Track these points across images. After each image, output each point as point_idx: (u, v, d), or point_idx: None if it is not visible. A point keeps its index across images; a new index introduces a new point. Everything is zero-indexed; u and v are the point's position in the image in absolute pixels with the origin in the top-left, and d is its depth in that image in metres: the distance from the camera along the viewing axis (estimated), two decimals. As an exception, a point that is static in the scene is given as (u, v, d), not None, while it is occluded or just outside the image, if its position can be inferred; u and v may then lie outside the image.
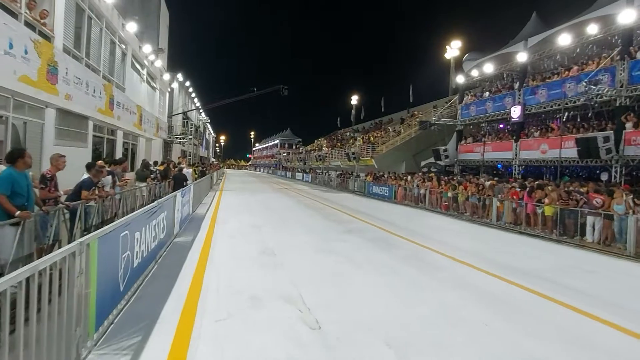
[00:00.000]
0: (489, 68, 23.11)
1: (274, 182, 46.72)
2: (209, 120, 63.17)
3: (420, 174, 25.62)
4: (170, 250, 8.61)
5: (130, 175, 13.65)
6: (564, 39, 17.82)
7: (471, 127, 26.99)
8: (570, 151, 17.30)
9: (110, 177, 8.94)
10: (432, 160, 30.69)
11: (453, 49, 43.09)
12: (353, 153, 35.95)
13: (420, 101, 47.86)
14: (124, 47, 18.56)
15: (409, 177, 23.71)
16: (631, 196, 11.07)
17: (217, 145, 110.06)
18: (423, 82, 56.92)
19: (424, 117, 37.95)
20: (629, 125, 14.97)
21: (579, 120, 18.92)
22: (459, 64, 42.19)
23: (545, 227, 13.16)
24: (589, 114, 18.14)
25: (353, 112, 70.00)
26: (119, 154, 17.47)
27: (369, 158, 34.69)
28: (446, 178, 21.21)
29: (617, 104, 15.42)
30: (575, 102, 17.47)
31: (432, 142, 33.55)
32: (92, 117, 13.81)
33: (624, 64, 15.27)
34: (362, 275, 7.13)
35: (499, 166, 24.54)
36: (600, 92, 15.03)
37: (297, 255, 8.48)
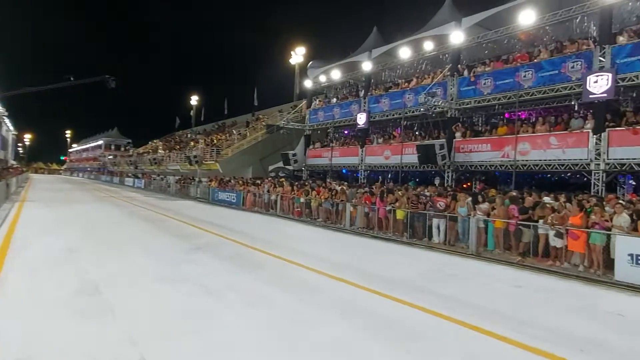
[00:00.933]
0: (336, 75, 23.60)
1: (98, 188, 40.03)
2: (6, 114, 50.87)
3: (269, 178, 24.66)
4: None
5: None
6: (404, 53, 19.09)
7: (319, 132, 27.29)
8: (410, 157, 18.50)
9: None
10: (280, 164, 30.15)
11: (298, 55, 43.95)
12: (195, 156, 33.06)
13: (265, 105, 47.36)
14: None
15: (259, 182, 22.48)
16: (469, 199, 11.94)
17: (19, 145, 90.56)
18: (268, 86, 56.64)
19: (270, 121, 37.47)
20: (458, 134, 16.61)
21: (415, 128, 20.53)
22: (303, 70, 43.34)
23: (397, 230, 13.42)
24: (426, 123, 19.79)
25: (193, 112, 65.97)
26: None
27: (212, 162, 32.32)
28: (298, 183, 20.67)
29: (449, 115, 17.00)
30: (414, 111, 18.81)
31: (279, 146, 33.08)
32: None
33: (453, 79, 16.94)
34: (227, 311, 5.43)
35: (344, 171, 25.31)
36: (436, 103, 16.31)
37: (133, 290, 6.25)
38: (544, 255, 9.74)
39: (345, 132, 26.82)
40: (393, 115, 20.06)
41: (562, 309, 6.44)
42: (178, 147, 45.34)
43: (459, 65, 17.06)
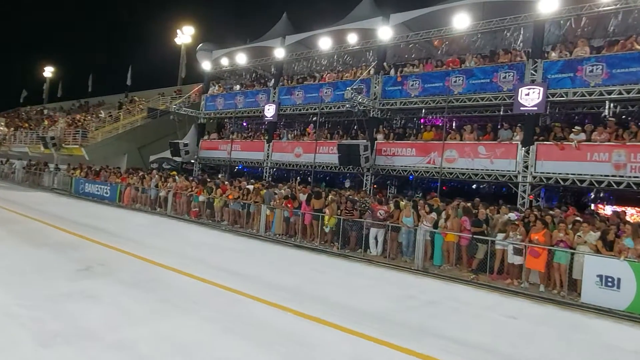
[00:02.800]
0: (241, 59, 20.95)
1: None
2: None
3: (154, 171, 20.86)
4: None
5: None
6: (325, 44, 17.52)
7: (212, 121, 24.17)
8: (325, 157, 17.04)
9: None
10: (164, 154, 26.17)
11: (185, 35, 39.57)
12: (52, 138, 26.85)
13: (140, 87, 41.78)
14: None
15: (143, 175, 18.67)
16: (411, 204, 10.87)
17: None
18: (145, 66, 49.85)
19: (150, 105, 32.75)
20: (380, 136, 15.66)
21: (328, 126, 19.14)
22: (191, 53, 39.00)
23: (325, 240, 11.74)
24: (344, 122, 18.53)
25: (46, 86, 55.46)
26: None
27: (76, 146, 26.60)
28: (194, 178, 17.65)
29: (371, 115, 15.96)
30: (331, 107, 17.40)
31: (161, 134, 28.82)
32: None
33: (378, 77, 15.95)
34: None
35: (240, 167, 22.79)
36: (361, 101, 15.10)
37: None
38: (498, 272, 9.02)
39: (244, 124, 24.31)
40: (307, 109, 18.36)
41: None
42: (27, 125, 37.02)
43: (385, 64, 16.15)
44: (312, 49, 18.75)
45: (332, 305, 6.15)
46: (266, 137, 19.80)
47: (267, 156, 19.38)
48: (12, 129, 36.44)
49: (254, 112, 20.65)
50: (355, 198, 12.33)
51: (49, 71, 55.28)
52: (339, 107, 17.08)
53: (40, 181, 26.20)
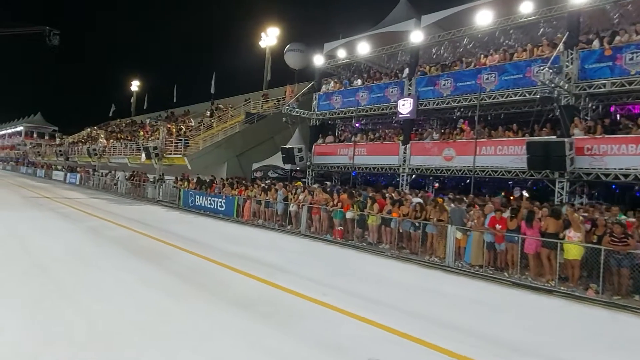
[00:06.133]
0: (364, 49, 18.03)
1: (21, 184, 31.10)
2: None
3: (281, 183, 18.58)
4: None
5: None
6: (484, 17, 14.04)
7: (318, 123, 21.40)
8: (491, 159, 13.57)
9: None
10: (268, 162, 24.01)
11: (270, 37, 37.74)
12: (155, 148, 25.84)
13: (224, 93, 40.94)
14: None
15: (266, 186, 16.32)
16: None
17: None
18: (228, 72, 49.43)
19: (244, 110, 31.26)
20: (577, 130, 11.85)
21: (490, 120, 15.51)
22: (277, 54, 37.16)
23: (569, 278, 8.24)
24: (510, 115, 14.89)
25: (133, 99, 57.37)
26: None
27: (179, 156, 25.36)
28: (334, 189, 14.95)
29: (562, 103, 12.18)
30: (496, 97, 13.90)
31: (259, 140, 26.99)
32: None
33: (572, 54, 12.17)
34: None
35: (354, 173, 19.87)
36: (558, 84, 11.40)
37: None
38: None
39: (357, 124, 21.36)
40: (459, 101, 14.96)
41: None
42: (125, 136, 37.23)
43: (583, 36, 12.35)
44: (461, 28, 15.31)
45: None
46: (401, 138, 16.67)
47: (404, 160, 16.22)
48: (112, 140, 36.79)
49: (382, 109, 17.61)
50: (584, 214, 8.74)
51: (135, 85, 57.06)
52: (508, 96, 13.55)
53: (144, 193, 25.25)
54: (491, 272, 9.17)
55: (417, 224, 10.68)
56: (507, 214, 9.32)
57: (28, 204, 17.44)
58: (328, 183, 19.66)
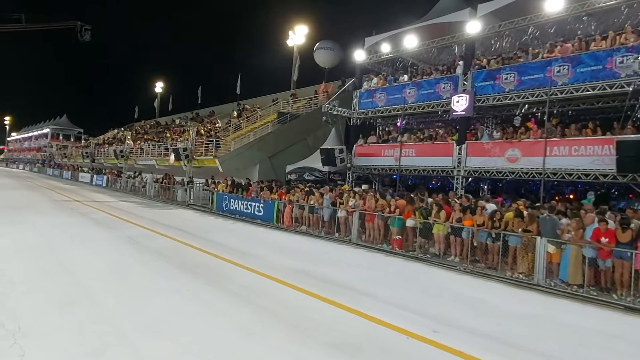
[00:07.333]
0: (411, 42, 16.74)
1: (49, 186, 30.82)
2: None
3: (328, 187, 17.48)
4: None
5: None
6: (554, 3, 12.63)
7: (371, 121, 20.24)
8: (566, 160, 12.17)
9: None
10: (302, 164, 22.92)
11: (297, 35, 36.68)
12: (185, 149, 25.06)
13: (250, 94, 40.32)
14: None
15: (310, 190, 15.18)
16: None
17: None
18: (254, 73, 48.78)
19: (264, 111, 30.51)
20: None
21: (559, 117, 14.07)
22: (305, 53, 36.23)
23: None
24: (584, 112, 13.45)
25: (157, 101, 57.33)
26: None
27: (210, 157, 24.51)
28: (392, 195, 13.72)
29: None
30: (570, 91, 12.45)
31: (291, 141, 25.99)
32: None
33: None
34: None
35: (395, 176, 18.61)
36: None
37: None
38: None
39: (399, 123, 20.08)
40: (525, 97, 13.56)
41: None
42: (152, 137, 36.72)
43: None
44: (523, 17, 13.91)
45: None
46: (454, 138, 15.36)
47: (459, 162, 14.90)
48: (139, 142, 36.31)
49: (433, 107, 16.31)
50: None
51: (159, 86, 56.92)
52: (584, 90, 12.12)
53: (173, 196, 24.49)
54: (595, 294, 7.83)
55: (494, 235, 9.39)
56: (612, 225, 7.99)
57: (59, 208, 16.74)
58: (365, 186, 18.44)
